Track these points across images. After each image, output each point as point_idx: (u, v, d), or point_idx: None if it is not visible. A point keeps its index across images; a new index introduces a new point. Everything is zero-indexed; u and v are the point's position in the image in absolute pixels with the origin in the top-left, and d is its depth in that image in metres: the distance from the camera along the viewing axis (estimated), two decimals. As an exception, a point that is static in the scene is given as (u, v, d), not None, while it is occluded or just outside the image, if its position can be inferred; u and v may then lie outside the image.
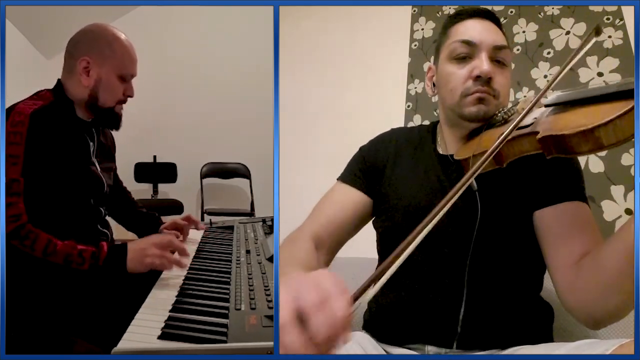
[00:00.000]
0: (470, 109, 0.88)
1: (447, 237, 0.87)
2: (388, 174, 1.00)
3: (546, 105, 0.76)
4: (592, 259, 0.74)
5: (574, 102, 0.71)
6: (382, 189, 0.99)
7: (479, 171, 0.68)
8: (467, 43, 0.89)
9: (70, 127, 1.01)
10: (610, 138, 0.62)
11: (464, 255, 0.84)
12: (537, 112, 0.77)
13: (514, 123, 0.71)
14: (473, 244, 0.84)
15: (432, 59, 1.01)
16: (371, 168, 1.02)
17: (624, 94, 0.62)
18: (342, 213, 0.99)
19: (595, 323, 0.76)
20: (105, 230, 1.10)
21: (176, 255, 0.96)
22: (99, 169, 1.08)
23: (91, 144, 1.08)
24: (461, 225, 0.86)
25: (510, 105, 0.89)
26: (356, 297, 0.51)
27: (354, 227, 1.01)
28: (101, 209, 1.10)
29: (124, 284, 0.90)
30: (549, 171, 0.86)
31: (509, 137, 0.74)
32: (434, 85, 0.99)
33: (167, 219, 1.34)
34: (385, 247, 0.99)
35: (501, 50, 0.89)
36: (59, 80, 1.06)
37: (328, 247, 0.97)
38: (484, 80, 0.86)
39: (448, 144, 0.96)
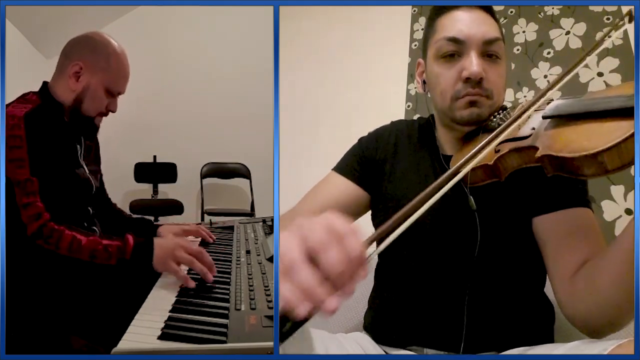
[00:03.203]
0: (462, 113, 0.83)
1: (449, 254, 0.85)
2: (387, 172, 0.97)
3: (544, 117, 0.71)
4: (588, 272, 0.72)
5: (574, 115, 0.67)
6: (382, 188, 0.97)
7: (462, 173, 0.64)
8: (454, 40, 0.82)
9: (59, 129, 1.01)
10: (615, 162, 0.57)
11: (466, 267, 0.83)
12: (535, 121, 0.73)
13: (499, 129, 0.68)
14: (476, 258, 0.82)
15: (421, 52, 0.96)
16: (369, 162, 0.99)
17: (629, 111, 0.57)
18: (334, 204, 0.96)
19: (594, 333, 0.74)
20: (94, 228, 1.10)
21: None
22: (86, 171, 1.09)
23: (78, 146, 1.08)
24: (462, 244, 0.84)
25: (508, 108, 0.85)
26: (371, 241, 0.47)
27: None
28: (89, 208, 1.10)
29: (123, 284, 0.90)
30: (550, 177, 0.85)
31: (506, 150, 0.72)
32: (424, 82, 0.94)
33: (168, 219, 1.33)
34: (382, 252, 0.98)
35: (492, 43, 0.83)
36: (44, 83, 1.06)
37: None
38: (475, 82, 0.81)
39: (444, 144, 0.94)
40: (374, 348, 0.90)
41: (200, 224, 1.49)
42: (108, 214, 1.28)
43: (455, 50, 0.83)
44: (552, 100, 0.75)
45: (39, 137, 0.92)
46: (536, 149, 0.67)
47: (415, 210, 0.55)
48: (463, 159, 0.65)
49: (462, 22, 0.83)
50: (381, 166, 0.98)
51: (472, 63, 0.81)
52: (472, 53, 0.81)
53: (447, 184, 0.59)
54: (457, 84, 0.83)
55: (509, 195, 0.84)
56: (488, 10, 0.86)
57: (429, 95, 0.94)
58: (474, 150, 0.66)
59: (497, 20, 0.87)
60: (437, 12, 0.88)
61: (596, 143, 0.58)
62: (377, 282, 1.01)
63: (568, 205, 0.81)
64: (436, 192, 0.57)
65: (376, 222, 1.00)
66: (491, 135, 0.68)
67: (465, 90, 0.82)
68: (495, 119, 0.82)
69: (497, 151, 0.74)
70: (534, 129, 0.72)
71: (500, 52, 0.85)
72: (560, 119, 0.69)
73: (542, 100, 0.74)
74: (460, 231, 0.85)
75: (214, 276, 0.94)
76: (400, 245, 0.89)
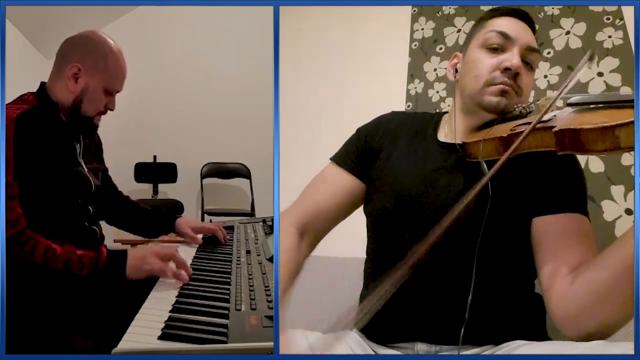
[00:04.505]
0: (491, 99, 0.88)
1: (450, 232, 0.86)
2: (383, 158, 0.98)
3: (569, 104, 0.75)
4: (589, 267, 0.73)
5: (598, 103, 0.70)
6: (375, 173, 0.98)
7: (496, 168, 0.67)
8: (504, 35, 0.89)
9: (55, 129, 1.01)
10: (630, 140, 0.60)
11: (467, 251, 0.82)
12: (557, 112, 0.77)
13: (539, 117, 0.71)
14: (480, 240, 0.82)
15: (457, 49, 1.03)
16: (367, 150, 1.01)
17: None
18: (332, 199, 0.98)
19: (582, 336, 0.72)
20: (94, 228, 1.10)
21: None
22: (85, 170, 1.09)
23: (77, 145, 1.08)
24: (467, 219, 0.82)
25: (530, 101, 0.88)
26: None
27: (344, 212, 1.00)
28: (89, 207, 1.10)
29: (124, 284, 0.90)
30: (553, 179, 0.86)
31: (523, 129, 0.74)
32: (456, 71, 0.99)
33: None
34: (375, 234, 0.98)
35: (532, 52, 0.90)
36: (42, 83, 1.06)
37: (314, 232, 0.96)
38: (512, 74, 0.87)
39: (458, 132, 0.95)
40: (361, 348, 0.90)
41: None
42: (121, 208, 1.30)
43: (502, 44, 0.90)
44: (576, 95, 0.78)
45: (28, 140, 0.92)
46: (554, 127, 0.69)
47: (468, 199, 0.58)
48: (528, 129, 0.69)
49: (512, 26, 0.91)
50: (378, 155, 1.00)
51: (515, 56, 0.87)
52: (516, 50, 0.89)
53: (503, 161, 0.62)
54: (494, 72, 0.89)
55: (514, 183, 0.86)
56: (533, 28, 0.94)
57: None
58: (533, 124, 0.70)
59: (536, 38, 0.95)
60: (490, 14, 0.96)
61: (615, 119, 0.61)
62: (367, 277, 1.01)
63: (567, 209, 0.83)
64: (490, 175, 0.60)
65: (368, 211, 1.00)
66: (538, 117, 0.71)
67: (501, 78, 0.87)
68: (517, 108, 0.87)
69: (512, 129, 0.78)
70: (555, 115, 0.75)
71: (535, 63, 0.93)
72: (584, 106, 0.73)
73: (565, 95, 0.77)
74: (467, 206, 0.85)
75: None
76: (394, 233, 0.90)
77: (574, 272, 0.76)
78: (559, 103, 0.78)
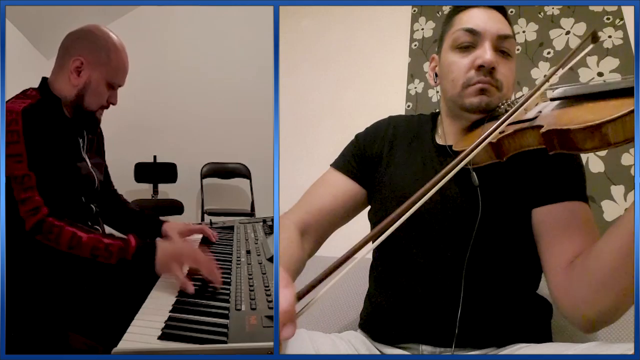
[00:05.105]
0: (472, 100, 0.86)
1: (446, 234, 0.86)
2: (384, 164, 0.98)
3: (552, 99, 0.74)
4: (586, 256, 0.73)
5: (581, 96, 0.69)
6: (377, 179, 0.98)
7: (470, 157, 0.65)
8: (471, 32, 0.87)
9: (59, 124, 1.01)
10: (618, 135, 0.59)
11: (462, 253, 0.83)
12: (541, 106, 0.75)
13: (509, 112, 0.70)
14: (473, 241, 0.82)
15: (436, 49, 1.01)
16: (366, 157, 1.01)
17: (633, 91, 0.60)
18: (332, 202, 0.98)
19: (588, 324, 0.74)
20: (97, 227, 1.10)
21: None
22: (89, 165, 1.09)
23: (80, 140, 1.08)
24: (461, 221, 0.84)
25: (514, 98, 0.86)
26: (303, 294, 0.51)
27: (344, 216, 1.00)
28: (92, 205, 1.09)
29: (123, 284, 0.90)
30: (550, 169, 0.85)
31: (511, 131, 0.73)
32: (436, 75, 0.97)
33: (168, 220, 1.32)
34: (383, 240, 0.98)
35: (505, 39, 0.87)
36: (43, 78, 1.06)
37: (315, 234, 0.96)
38: (487, 71, 0.84)
39: (448, 135, 0.95)
40: (366, 348, 0.90)
41: (200, 224, 1.49)
42: (114, 206, 1.29)
43: (471, 41, 0.87)
44: (559, 87, 0.76)
45: (36, 132, 0.91)
46: (541, 127, 0.68)
47: (421, 198, 0.56)
48: (477, 141, 0.66)
49: (479, 18, 0.88)
50: (377, 160, 1.00)
51: (486, 52, 0.85)
52: (487, 44, 0.86)
53: (455, 167, 0.60)
54: (469, 72, 0.86)
55: (510, 181, 0.86)
56: (503, 12, 0.91)
57: (436, 95, 0.96)
58: (486, 133, 0.67)
59: (510, 23, 0.92)
60: (456, 9, 0.93)
61: (601, 116, 0.59)
62: (373, 279, 1.01)
63: (566, 198, 0.82)
64: (445, 177, 0.58)
65: (371, 216, 1.00)
66: (503, 118, 0.69)
67: (477, 77, 0.85)
68: (502, 107, 0.85)
69: (501, 132, 0.75)
70: (540, 112, 0.74)
71: (512, 49, 0.89)
72: (567, 101, 0.71)
73: (546, 85, 0.76)
74: (461, 209, 0.85)
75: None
76: (398, 234, 0.90)
77: (573, 261, 0.76)
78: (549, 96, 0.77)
